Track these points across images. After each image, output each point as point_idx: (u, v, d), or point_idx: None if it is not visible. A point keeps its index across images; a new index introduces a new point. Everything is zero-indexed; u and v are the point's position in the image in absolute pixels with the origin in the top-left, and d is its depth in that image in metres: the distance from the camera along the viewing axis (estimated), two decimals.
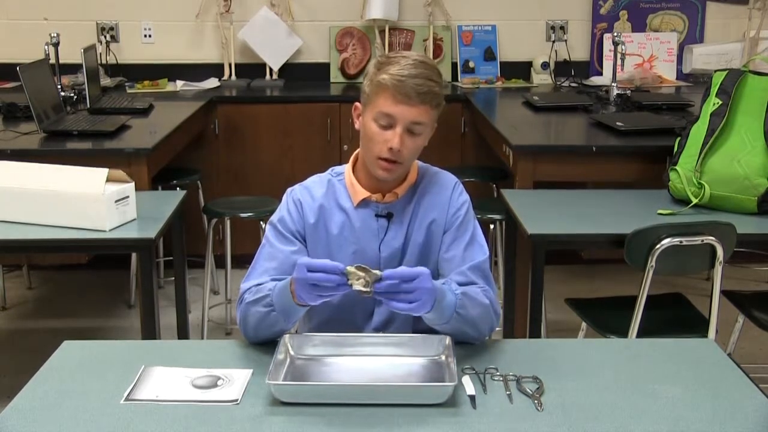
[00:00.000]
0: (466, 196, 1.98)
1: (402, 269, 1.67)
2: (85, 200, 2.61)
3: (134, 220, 2.72)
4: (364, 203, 1.94)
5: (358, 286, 1.64)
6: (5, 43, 4.83)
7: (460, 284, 1.86)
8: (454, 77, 4.99)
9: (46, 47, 4.23)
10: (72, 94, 4.19)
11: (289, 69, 4.92)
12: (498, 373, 1.72)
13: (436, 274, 1.92)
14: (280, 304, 1.78)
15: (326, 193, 1.96)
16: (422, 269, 1.67)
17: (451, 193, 1.96)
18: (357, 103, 1.93)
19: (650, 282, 2.57)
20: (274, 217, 1.97)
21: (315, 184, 1.99)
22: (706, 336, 2.65)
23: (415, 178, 1.97)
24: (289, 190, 2.00)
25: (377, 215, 1.94)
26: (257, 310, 1.82)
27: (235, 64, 4.89)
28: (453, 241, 1.93)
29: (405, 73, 1.81)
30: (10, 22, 4.88)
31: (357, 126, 1.93)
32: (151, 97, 4.41)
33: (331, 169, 2.02)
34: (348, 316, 1.95)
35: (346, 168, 1.99)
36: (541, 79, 4.95)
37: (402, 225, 1.94)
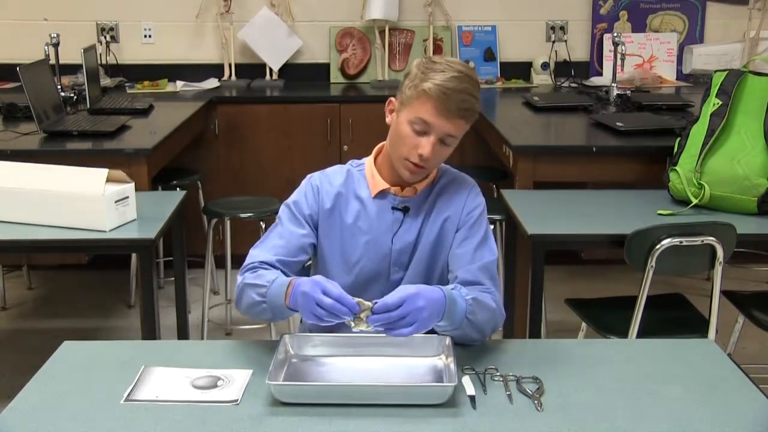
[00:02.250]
0: (482, 199, 2.00)
1: (387, 299, 1.66)
2: (85, 200, 2.61)
3: (134, 220, 2.72)
4: (381, 194, 1.96)
5: (359, 325, 1.66)
6: (5, 43, 4.83)
7: (467, 282, 1.87)
8: None
9: (46, 47, 4.23)
10: (72, 95, 4.19)
11: (289, 69, 4.92)
12: (498, 374, 1.72)
13: (445, 271, 1.95)
14: (272, 302, 1.79)
15: (345, 181, 1.99)
16: (408, 293, 1.66)
17: (467, 194, 1.98)
18: (392, 99, 1.94)
19: (650, 282, 2.57)
20: (289, 199, 2.00)
21: (334, 173, 2.01)
22: (706, 336, 2.65)
23: (435, 176, 1.99)
24: (309, 176, 2.02)
25: (394, 208, 1.96)
26: (251, 295, 1.84)
27: (235, 65, 4.89)
28: (464, 239, 1.94)
29: (450, 85, 1.82)
30: (10, 22, 4.88)
31: (388, 121, 1.94)
32: (151, 97, 4.41)
33: (350, 161, 2.04)
34: None
35: (368, 159, 2.01)
36: (541, 79, 4.95)
37: (416, 220, 1.96)
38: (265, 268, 1.89)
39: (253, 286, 1.84)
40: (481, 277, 1.90)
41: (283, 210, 2.00)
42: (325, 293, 1.66)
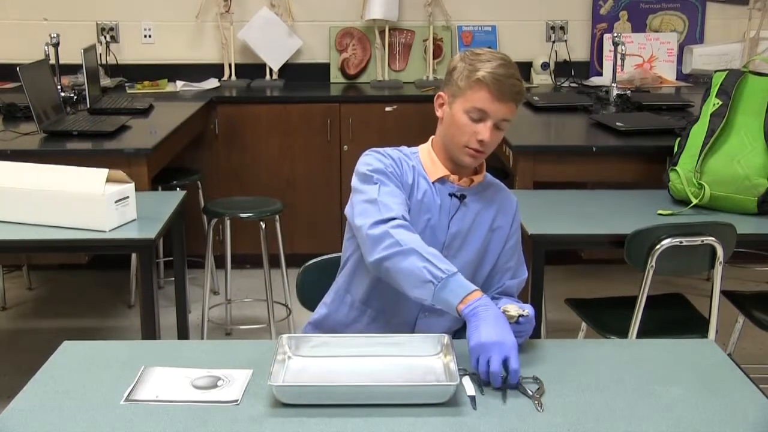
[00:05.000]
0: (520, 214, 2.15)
1: (532, 318, 1.82)
2: (85, 200, 2.61)
3: (134, 220, 2.72)
4: (440, 181, 2.02)
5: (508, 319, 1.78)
6: (5, 43, 4.83)
7: (506, 293, 2.07)
8: None
9: (46, 47, 4.23)
10: (72, 95, 4.19)
11: (289, 69, 4.92)
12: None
13: (485, 274, 2.07)
14: (445, 290, 1.76)
15: (410, 160, 2.04)
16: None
17: (515, 209, 2.12)
18: (441, 93, 2.01)
19: (650, 282, 2.57)
20: (376, 166, 1.96)
21: (400, 152, 2.05)
22: (706, 336, 2.65)
23: (484, 173, 2.08)
24: (381, 150, 2.02)
25: (451, 194, 2.02)
26: (419, 265, 1.78)
27: (235, 65, 4.89)
28: (513, 254, 2.10)
29: (500, 72, 1.91)
30: (10, 22, 4.88)
31: (439, 114, 2.02)
32: (151, 97, 4.41)
33: (402, 146, 2.08)
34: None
35: (424, 148, 2.07)
36: (541, 79, 4.95)
37: (471, 210, 2.03)
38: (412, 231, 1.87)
39: (424, 258, 1.79)
40: (516, 291, 2.11)
41: (375, 176, 1.95)
42: (505, 360, 1.67)
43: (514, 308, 1.81)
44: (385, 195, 1.92)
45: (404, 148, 2.08)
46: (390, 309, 2.03)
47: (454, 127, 1.96)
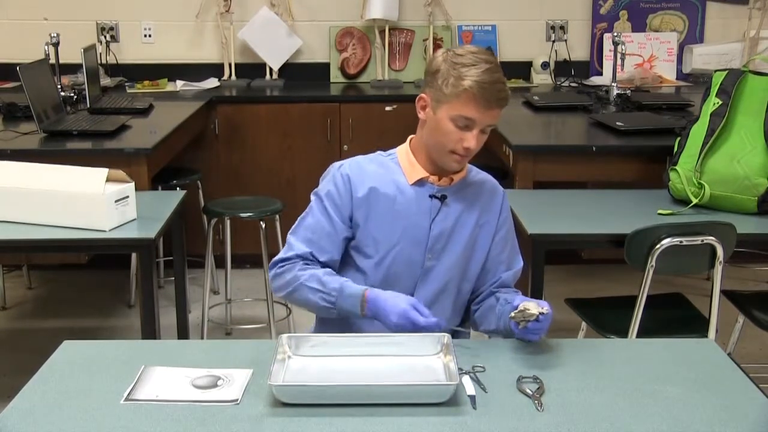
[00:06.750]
0: (509, 204, 2.14)
1: (549, 317, 1.83)
2: (85, 200, 2.61)
3: (134, 220, 2.72)
4: (419, 182, 2.01)
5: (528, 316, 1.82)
6: (5, 43, 4.83)
7: (504, 285, 2.08)
8: None
9: (46, 47, 4.23)
10: (72, 94, 4.19)
11: (289, 69, 4.92)
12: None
13: (478, 270, 2.07)
14: (342, 308, 1.92)
15: (378, 168, 2.03)
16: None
17: (501, 200, 2.10)
18: (423, 95, 1.98)
19: (650, 282, 2.57)
20: (321, 190, 2.03)
21: (365, 160, 2.06)
22: (706, 336, 2.65)
23: (466, 170, 2.07)
24: (337, 164, 2.05)
25: (431, 195, 2.01)
26: (313, 298, 1.94)
27: (235, 64, 4.89)
28: (504, 245, 2.09)
29: (487, 78, 1.88)
30: (10, 22, 4.88)
31: (422, 116, 2.00)
32: (151, 97, 4.41)
33: (378, 151, 2.09)
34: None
35: (402, 149, 2.06)
36: (541, 79, 4.95)
37: (454, 209, 2.02)
38: (308, 266, 1.97)
39: (314, 290, 1.94)
40: (512, 282, 2.11)
41: (315, 201, 2.03)
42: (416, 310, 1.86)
43: (534, 306, 1.81)
44: (302, 229, 2.02)
45: (380, 154, 2.07)
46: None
47: (440, 132, 1.94)
